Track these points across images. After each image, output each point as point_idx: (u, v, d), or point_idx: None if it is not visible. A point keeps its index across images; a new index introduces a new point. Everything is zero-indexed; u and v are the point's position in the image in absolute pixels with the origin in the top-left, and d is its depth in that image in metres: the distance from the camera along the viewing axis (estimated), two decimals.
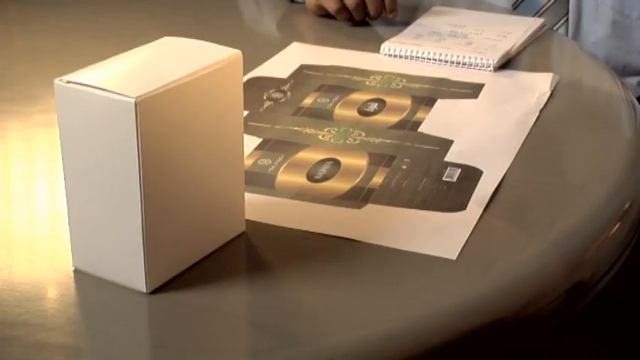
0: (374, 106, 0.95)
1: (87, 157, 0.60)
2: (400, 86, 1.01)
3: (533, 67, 1.08)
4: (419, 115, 0.93)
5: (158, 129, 0.58)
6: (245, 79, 1.02)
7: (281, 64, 1.07)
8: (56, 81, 0.59)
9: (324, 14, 1.27)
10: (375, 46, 1.12)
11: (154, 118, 0.58)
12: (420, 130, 0.89)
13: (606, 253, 0.71)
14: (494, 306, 0.62)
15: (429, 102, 0.96)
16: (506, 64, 1.08)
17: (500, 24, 1.21)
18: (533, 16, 1.39)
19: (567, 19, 1.43)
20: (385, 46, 1.12)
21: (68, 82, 0.59)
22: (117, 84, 0.58)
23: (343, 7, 1.22)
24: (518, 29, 1.18)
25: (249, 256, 0.69)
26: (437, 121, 0.92)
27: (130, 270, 0.61)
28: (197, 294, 0.63)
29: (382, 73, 1.05)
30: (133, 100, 0.56)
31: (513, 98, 0.98)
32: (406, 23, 1.22)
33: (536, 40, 1.19)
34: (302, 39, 1.18)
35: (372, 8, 1.22)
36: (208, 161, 0.63)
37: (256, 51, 1.14)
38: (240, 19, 1.37)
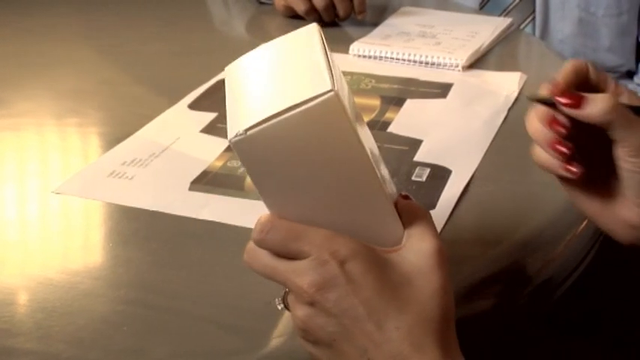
0: None
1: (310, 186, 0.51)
2: (369, 86, 1.01)
3: (501, 67, 1.08)
4: (388, 115, 0.93)
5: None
6: (214, 81, 1.02)
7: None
8: (235, 139, 0.49)
9: (293, 15, 1.27)
10: (344, 46, 1.12)
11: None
12: (389, 130, 0.89)
13: (574, 250, 0.72)
14: (464, 304, 0.62)
15: (398, 102, 0.97)
16: (475, 63, 1.09)
17: (469, 24, 1.22)
18: (500, 15, 1.39)
19: (534, 18, 1.44)
20: (354, 47, 1.12)
21: (246, 130, 0.48)
22: (283, 98, 0.49)
23: (312, 8, 1.22)
24: (486, 29, 1.19)
25: (220, 257, 0.69)
26: (406, 121, 0.92)
27: None
28: (169, 298, 0.63)
29: (351, 74, 1.05)
30: (332, 93, 0.47)
31: (482, 98, 0.98)
32: (375, 24, 1.22)
33: (504, 39, 1.19)
34: (271, 40, 1.18)
35: (341, 9, 1.22)
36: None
37: (226, 52, 1.13)
38: (209, 21, 1.37)
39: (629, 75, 1.50)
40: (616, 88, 0.58)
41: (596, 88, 0.58)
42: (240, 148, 0.49)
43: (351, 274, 0.49)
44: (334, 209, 0.51)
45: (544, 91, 0.57)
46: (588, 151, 0.58)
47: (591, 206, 0.59)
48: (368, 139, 0.55)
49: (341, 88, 0.50)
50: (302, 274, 0.50)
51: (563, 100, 0.55)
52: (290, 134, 0.48)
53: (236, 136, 0.48)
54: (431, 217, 0.53)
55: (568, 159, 0.57)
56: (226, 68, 0.55)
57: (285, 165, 0.49)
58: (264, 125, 0.48)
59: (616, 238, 0.60)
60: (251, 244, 0.53)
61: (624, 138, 0.54)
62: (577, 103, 0.54)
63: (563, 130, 0.56)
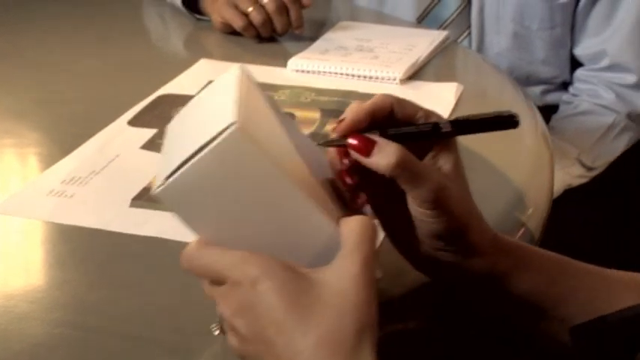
0: None
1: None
2: (309, 100, 1.02)
3: (439, 79, 1.10)
4: (328, 127, 0.94)
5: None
6: (153, 96, 1.02)
7: (189, 81, 1.07)
8: (158, 190, 0.50)
9: (231, 31, 1.27)
10: (282, 61, 1.13)
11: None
12: None
13: None
14: (404, 314, 0.63)
15: (337, 114, 0.96)
16: (413, 75, 1.10)
17: (406, 37, 1.24)
18: (438, 29, 1.42)
19: (470, 32, 1.47)
20: (292, 62, 1.13)
21: (166, 179, 0.50)
22: (196, 141, 0.50)
23: (250, 24, 1.23)
24: (423, 42, 1.21)
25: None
26: None
27: None
28: (107, 319, 0.63)
29: (291, 88, 1.06)
30: (235, 125, 0.48)
31: None
32: (313, 38, 1.23)
33: (441, 52, 1.22)
34: (210, 55, 1.18)
35: (278, 24, 1.23)
36: None
37: (164, 68, 1.14)
38: (146, 37, 1.37)
39: (564, 86, 1.54)
40: (426, 117, 0.58)
41: (406, 120, 0.57)
42: (163, 196, 0.50)
43: (261, 295, 0.48)
44: (264, 230, 0.52)
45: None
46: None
47: (396, 238, 0.60)
48: (303, 145, 0.56)
49: (256, 115, 0.52)
50: (222, 299, 0.51)
51: (353, 143, 0.55)
52: (206, 173, 0.49)
53: (158, 187, 0.50)
54: (373, 228, 0.52)
55: (352, 190, 0.57)
56: (167, 126, 0.57)
57: (210, 202, 0.51)
58: (180, 171, 0.49)
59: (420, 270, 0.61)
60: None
61: (409, 191, 0.55)
62: (366, 149, 0.54)
63: (347, 163, 0.57)
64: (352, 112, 0.56)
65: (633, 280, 0.61)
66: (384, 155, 0.54)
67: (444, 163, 0.57)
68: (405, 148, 0.54)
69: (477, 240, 0.58)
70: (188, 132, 0.53)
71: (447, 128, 0.57)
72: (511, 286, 0.59)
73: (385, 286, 0.61)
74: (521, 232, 0.75)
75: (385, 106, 0.56)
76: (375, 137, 0.55)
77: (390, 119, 0.57)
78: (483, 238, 0.58)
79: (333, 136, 0.57)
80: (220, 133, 0.48)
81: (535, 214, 0.79)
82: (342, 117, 0.56)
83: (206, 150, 0.49)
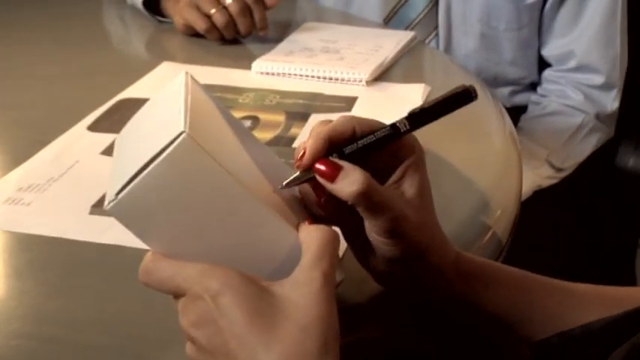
0: (248, 123, 0.95)
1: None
2: (274, 102, 1.02)
3: (406, 79, 1.10)
4: (293, 130, 0.94)
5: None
6: (113, 101, 1.01)
7: (151, 85, 1.06)
8: (109, 206, 0.50)
9: (193, 33, 1.26)
10: (247, 63, 1.13)
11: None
12: (294, 145, 0.90)
13: None
14: (366, 322, 0.63)
15: (303, 117, 0.97)
16: (379, 76, 1.10)
17: (372, 38, 1.24)
18: (405, 29, 1.42)
19: (437, 33, 1.48)
20: (257, 65, 1.12)
21: (117, 194, 0.50)
22: (145, 154, 0.49)
23: (213, 26, 1.22)
24: (390, 42, 1.21)
25: None
26: None
27: None
28: (67, 329, 0.62)
29: (255, 90, 1.05)
30: (184, 134, 0.48)
31: (386, 109, 0.99)
32: (278, 40, 1.23)
33: (407, 53, 1.22)
34: (172, 58, 1.18)
35: (242, 26, 1.22)
36: None
37: (125, 72, 1.12)
38: (106, 41, 1.36)
39: (533, 87, 1.55)
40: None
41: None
42: (115, 212, 0.50)
43: (223, 309, 0.48)
44: (222, 241, 0.52)
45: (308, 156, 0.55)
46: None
47: (357, 252, 0.60)
48: (261, 154, 0.56)
49: (206, 122, 0.51)
50: (181, 312, 0.50)
51: (320, 168, 0.54)
52: (157, 186, 0.49)
53: (109, 203, 0.50)
54: (334, 238, 0.52)
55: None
56: (116, 138, 0.57)
57: (164, 215, 0.50)
58: (131, 185, 0.49)
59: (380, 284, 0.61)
60: None
61: (368, 219, 0.55)
62: (331, 175, 0.54)
63: (323, 200, 0.57)
64: (311, 143, 0.55)
65: (598, 294, 0.62)
66: (348, 183, 0.53)
67: (409, 186, 0.56)
68: (369, 175, 0.54)
69: (437, 262, 0.58)
70: (137, 144, 0.53)
71: (405, 126, 0.56)
72: (474, 305, 0.59)
73: (347, 292, 0.61)
74: (488, 235, 0.74)
75: (346, 130, 0.56)
76: (341, 162, 0.54)
77: (353, 141, 0.56)
78: (444, 260, 0.58)
79: (295, 169, 0.56)
80: (170, 144, 0.48)
81: (503, 217, 0.78)
82: (301, 148, 0.55)
83: (156, 162, 0.48)
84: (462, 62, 1.40)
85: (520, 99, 1.55)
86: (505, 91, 1.53)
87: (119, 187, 0.49)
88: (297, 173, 0.56)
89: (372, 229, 0.55)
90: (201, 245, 0.51)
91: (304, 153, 0.55)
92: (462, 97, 0.57)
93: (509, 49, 1.49)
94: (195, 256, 0.51)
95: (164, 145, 0.48)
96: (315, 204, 0.57)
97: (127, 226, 0.51)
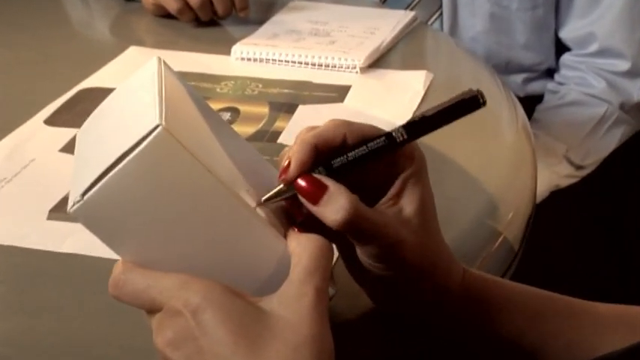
0: (227, 115, 0.96)
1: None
2: (256, 92, 1.02)
3: (405, 66, 1.11)
4: (278, 124, 0.94)
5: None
6: (74, 91, 1.01)
7: (117, 72, 1.07)
8: (73, 208, 0.50)
9: (164, 14, 1.26)
10: (225, 48, 1.13)
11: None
12: (279, 141, 0.91)
13: (489, 270, 0.74)
14: (361, 339, 0.63)
15: (289, 109, 0.98)
16: (375, 62, 1.11)
17: (367, 19, 1.24)
18: (404, 9, 1.42)
19: (441, 14, 1.48)
20: (236, 49, 1.12)
21: (82, 194, 0.49)
22: (114, 150, 0.49)
23: (186, 6, 1.22)
24: (387, 24, 1.22)
25: None
26: (299, 130, 0.92)
27: None
28: (25, 349, 0.62)
29: (235, 79, 1.06)
30: (160, 128, 0.48)
31: (384, 100, 1.00)
32: (261, 22, 1.23)
33: (407, 35, 1.22)
34: (140, 42, 1.18)
35: (219, 6, 1.22)
36: None
37: (87, 59, 1.13)
38: (67, 24, 1.36)
39: (549, 74, 1.56)
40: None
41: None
42: (80, 215, 0.50)
43: (204, 326, 0.48)
44: (202, 248, 0.52)
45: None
46: None
47: (352, 271, 0.60)
48: (238, 150, 0.56)
49: (182, 114, 0.51)
50: (156, 330, 0.50)
51: (301, 185, 0.54)
52: (129, 186, 0.49)
53: (73, 205, 0.49)
54: (327, 248, 0.52)
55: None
56: (78, 132, 0.56)
57: (136, 218, 0.50)
58: (99, 184, 0.49)
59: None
60: None
61: (357, 245, 0.56)
62: (314, 197, 0.54)
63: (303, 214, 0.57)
64: (296, 154, 0.55)
65: (623, 315, 0.62)
66: (332, 210, 0.53)
67: (408, 203, 0.56)
68: (356, 199, 0.53)
69: (442, 282, 0.58)
70: (103, 139, 0.53)
71: (402, 137, 0.56)
72: (484, 329, 0.59)
73: (339, 307, 0.62)
74: (497, 242, 0.75)
75: (335, 137, 0.56)
76: (327, 181, 0.54)
77: (344, 150, 0.56)
78: (450, 280, 0.59)
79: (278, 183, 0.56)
80: (143, 139, 0.48)
81: (514, 221, 0.79)
82: (286, 158, 0.55)
83: (127, 158, 0.48)
84: (469, 46, 1.40)
85: (535, 87, 1.55)
86: (518, 78, 1.54)
87: (85, 187, 0.49)
88: (280, 186, 0.56)
89: (364, 254, 0.56)
90: (179, 253, 0.51)
91: (289, 164, 0.55)
92: (469, 103, 0.57)
93: (523, 32, 1.50)
94: (172, 265, 0.51)
95: (137, 140, 0.48)
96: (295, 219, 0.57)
97: (94, 231, 0.51)
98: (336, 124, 0.57)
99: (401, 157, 0.56)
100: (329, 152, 0.55)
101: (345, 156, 0.55)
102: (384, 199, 0.57)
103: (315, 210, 0.54)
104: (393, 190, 0.56)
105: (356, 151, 0.55)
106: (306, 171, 0.55)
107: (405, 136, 0.56)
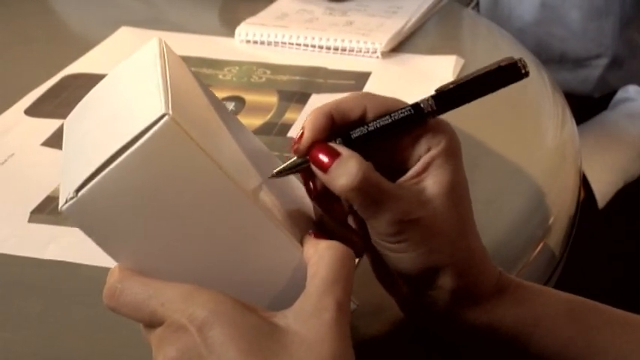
0: (230, 106, 0.96)
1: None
2: (263, 79, 1.03)
3: (432, 50, 1.11)
4: (288, 115, 0.95)
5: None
6: (57, 78, 1.02)
7: (106, 56, 1.07)
8: (66, 206, 0.50)
9: None
10: (229, 29, 1.14)
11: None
12: (290, 134, 0.91)
13: (528, 279, 0.74)
14: (395, 352, 0.64)
15: (300, 98, 0.98)
16: (398, 46, 1.11)
17: None
18: None
19: (477, 3, 1.47)
20: (241, 30, 1.13)
21: (77, 191, 0.49)
22: (113, 141, 0.50)
23: None
24: (411, 2, 1.22)
25: None
26: None
27: None
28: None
29: (240, 64, 1.06)
30: (166, 117, 0.48)
31: (407, 89, 1.00)
32: None
33: (435, 15, 1.22)
34: (132, 23, 1.18)
35: None
36: None
37: (72, 41, 1.13)
38: (49, 2, 1.36)
39: (613, 66, 1.53)
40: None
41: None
42: (74, 214, 0.50)
43: (212, 344, 0.48)
44: (210, 255, 0.52)
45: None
46: None
47: (378, 273, 0.61)
48: (245, 144, 0.56)
49: (189, 103, 0.51)
50: (156, 346, 0.50)
51: (314, 153, 0.55)
52: (129, 180, 0.49)
53: (66, 202, 0.49)
54: (349, 258, 0.52)
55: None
56: (65, 121, 0.57)
57: (136, 217, 0.50)
58: (96, 179, 0.49)
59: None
60: None
61: (366, 219, 0.56)
62: (324, 164, 0.55)
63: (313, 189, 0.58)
64: (311, 120, 0.55)
65: None
66: (341, 174, 0.54)
67: (432, 183, 0.56)
68: (370, 165, 0.54)
69: (473, 283, 0.58)
70: (98, 129, 0.53)
71: (430, 107, 0.55)
72: (521, 343, 0.59)
73: (361, 322, 0.62)
74: (538, 249, 0.75)
75: (354, 108, 0.56)
76: (341, 148, 0.55)
77: (364, 123, 0.56)
78: (483, 282, 0.59)
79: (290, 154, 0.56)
80: (148, 129, 0.48)
81: (556, 225, 0.79)
82: (300, 130, 0.56)
83: (129, 151, 0.48)
84: (518, 38, 1.40)
85: (588, 84, 1.53)
86: (570, 74, 1.52)
87: (79, 182, 0.49)
88: (293, 158, 0.56)
89: (373, 233, 0.56)
90: (184, 260, 0.51)
91: (303, 134, 0.56)
92: (508, 72, 0.56)
93: (579, 20, 1.47)
94: (175, 274, 0.51)
95: (139, 131, 0.48)
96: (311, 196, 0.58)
97: (89, 232, 0.51)
98: (355, 95, 0.57)
99: (429, 134, 0.56)
100: (347, 125, 0.56)
101: (365, 126, 0.55)
102: (406, 176, 0.57)
103: (326, 178, 0.54)
104: (417, 167, 0.57)
105: (378, 120, 0.55)
106: (321, 141, 0.55)
107: (434, 107, 0.56)
